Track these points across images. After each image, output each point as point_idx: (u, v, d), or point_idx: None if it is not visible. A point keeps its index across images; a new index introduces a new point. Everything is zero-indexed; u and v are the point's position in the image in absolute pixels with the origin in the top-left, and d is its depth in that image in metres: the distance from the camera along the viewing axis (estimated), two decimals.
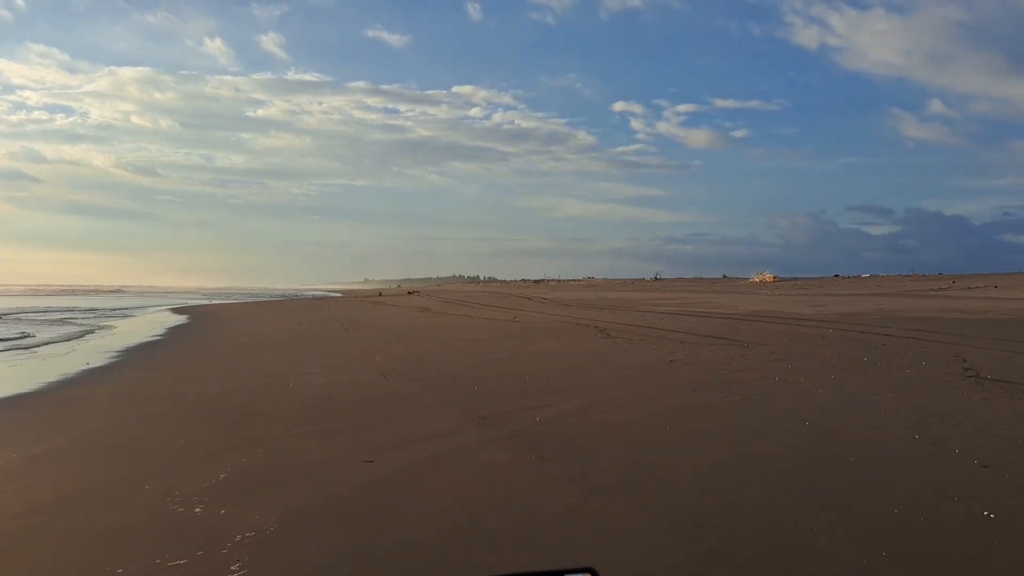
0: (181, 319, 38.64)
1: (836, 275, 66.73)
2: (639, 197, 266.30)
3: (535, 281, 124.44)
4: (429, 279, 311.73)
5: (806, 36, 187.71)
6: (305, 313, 41.76)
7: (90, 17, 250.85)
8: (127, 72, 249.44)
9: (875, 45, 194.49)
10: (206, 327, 31.84)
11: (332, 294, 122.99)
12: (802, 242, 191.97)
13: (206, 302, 70.85)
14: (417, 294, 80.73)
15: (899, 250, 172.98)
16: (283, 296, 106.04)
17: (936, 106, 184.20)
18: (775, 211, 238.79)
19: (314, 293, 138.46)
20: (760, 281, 63.54)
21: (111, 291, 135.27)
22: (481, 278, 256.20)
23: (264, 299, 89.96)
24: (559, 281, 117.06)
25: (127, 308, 53.48)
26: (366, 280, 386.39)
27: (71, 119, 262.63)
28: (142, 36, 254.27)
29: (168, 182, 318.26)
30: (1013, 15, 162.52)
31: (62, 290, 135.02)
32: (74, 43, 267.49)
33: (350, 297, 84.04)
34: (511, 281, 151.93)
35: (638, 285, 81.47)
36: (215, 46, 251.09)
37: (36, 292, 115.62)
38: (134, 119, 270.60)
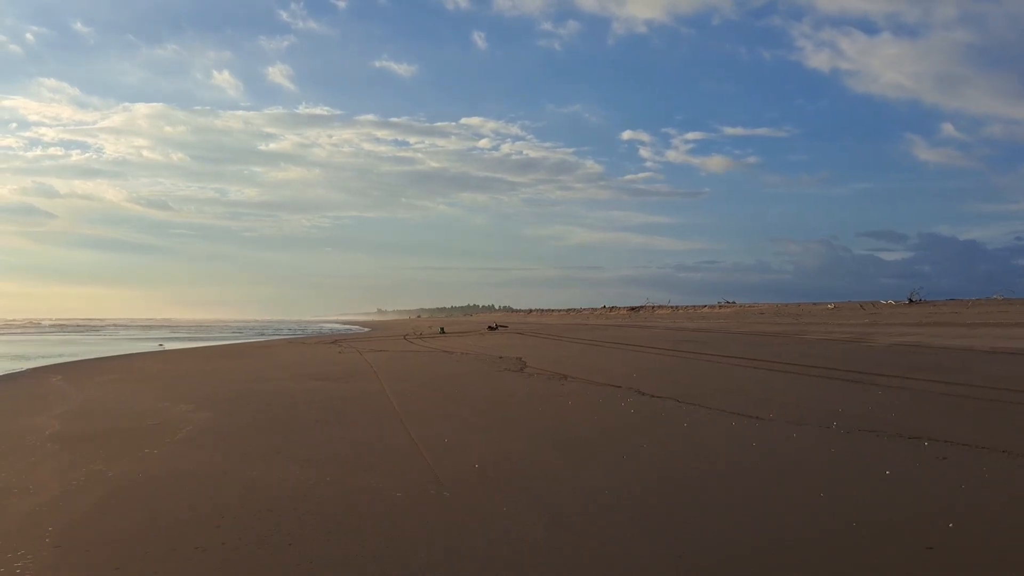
0: None
1: None
2: (648, 225, 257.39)
3: (631, 309, 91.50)
4: (443, 309, 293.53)
5: (817, 60, 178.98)
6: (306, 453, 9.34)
7: (99, 52, 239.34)
8: (140, 108, 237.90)
9: (886, 69, 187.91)
10: None
11: (353, 328, 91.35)
12: (814, 268, 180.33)
13: (167, 346, 39.86)
14: (504, 329, 48.45)
15: (914, 276, 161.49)
16: (291, 332, 74.32)
17: (948, 130, 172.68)
18: (786, 237, 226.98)
19: (331, 327, 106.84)
20: None
21: (116, 324, 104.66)
22: (496, 307, 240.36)
23: (266, 336, 61.01)
24: (673, 308, 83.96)
25: None
26: (379, 311, 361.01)
27: (87, 155, 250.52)
28: (151, 70, 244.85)
29: (182, 215, 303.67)
30: None
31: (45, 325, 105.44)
32: (84, 78, 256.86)
33: (389, 336, 50.65)
34: (581, 310, 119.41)
35: (894, 315, 47.97)
36: (224, 78, 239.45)
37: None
38: (146, 153, 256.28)
